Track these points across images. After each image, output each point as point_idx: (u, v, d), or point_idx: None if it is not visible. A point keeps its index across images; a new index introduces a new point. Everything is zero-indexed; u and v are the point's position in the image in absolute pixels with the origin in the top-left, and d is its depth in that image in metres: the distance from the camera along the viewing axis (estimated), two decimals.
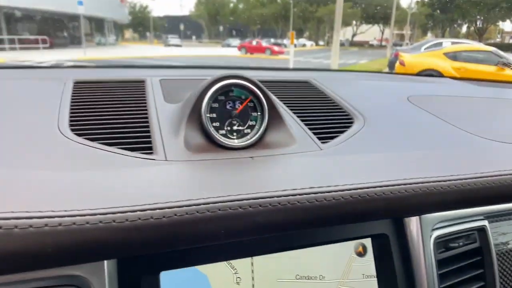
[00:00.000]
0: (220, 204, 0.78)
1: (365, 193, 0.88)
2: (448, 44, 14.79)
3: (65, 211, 0.69)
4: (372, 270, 1.10)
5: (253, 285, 0.99)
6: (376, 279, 1.10)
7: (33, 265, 0.69)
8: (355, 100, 1.50)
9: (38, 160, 0.90)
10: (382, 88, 1.89)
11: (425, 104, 1.64)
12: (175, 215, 0.74)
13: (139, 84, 1.37)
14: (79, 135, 1.01)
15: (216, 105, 1.08)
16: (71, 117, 1.09)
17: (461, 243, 1.19)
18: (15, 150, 0.92)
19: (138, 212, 0.73)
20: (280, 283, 1.01)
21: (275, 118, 1.13)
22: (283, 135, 1.13)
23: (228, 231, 0.79)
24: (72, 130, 1.02)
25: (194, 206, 0.76)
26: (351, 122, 1.34)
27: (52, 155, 0.92)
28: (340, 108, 1.44)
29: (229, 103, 1.09)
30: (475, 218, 1.22)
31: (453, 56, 11.90)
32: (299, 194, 0.84)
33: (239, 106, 1.10)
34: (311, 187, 0.85)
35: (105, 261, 0.84)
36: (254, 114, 1.11)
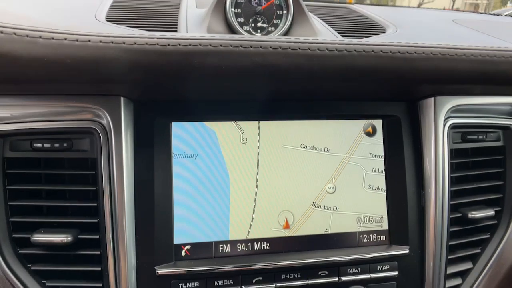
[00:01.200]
0: (222, 41, 0.82)
1: (371, 49, 0.88)
2: None
3: (82, 32, 0.78)
4: (380, 150, 1.10)
5: (258, 147, 1.04)
6: (383, 159, 1.10)
7: (55, 74, 0.78)
8: (393, 18, 1.45)
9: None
10: (427, 13, 1.81)
11: (468, 24, 1.56)
12: (179, 44, 0.80)
13: None
14: (114, 23, 1.08)
15: (241, 0, 1.10)
16: (110, 8, 1.17)
17: (480, 137, 1.15)
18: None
19: (146, 39, 0.79)
20: (284, 149, 1.05)
21: (300, 14, 1.13)
22: (307, 31, 1.13)
23: (229, 68, 0.83)
24: (108, 20, 1.10)
25: (198, 40, 0.81)
26: (383, 31, 1.31)
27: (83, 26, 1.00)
28: (373, 22, 1.41)
29: (255, 0, 1.11)
30: (500, 116, 1.16)
31: None
32: (302, 42, 0.85)
33: (264, 3, 1.11)
34: (315, 38, 0.87)
35: (122, 99, 0.93)
36: (280, 12, 1.12)
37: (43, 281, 0.94)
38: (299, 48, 0.85)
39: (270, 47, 0.84)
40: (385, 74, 0.91)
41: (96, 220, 0.94)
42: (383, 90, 1.02)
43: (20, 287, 0.91)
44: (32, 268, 0.94)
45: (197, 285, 0.96)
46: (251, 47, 0.83)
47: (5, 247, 0.92)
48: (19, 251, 0.94)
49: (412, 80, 0.95)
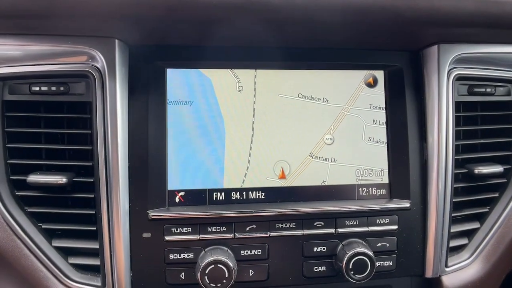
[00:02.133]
0: None
1: None
2: None
3: None
4: (381, 102, 1.07)
5: (254, 95, 1.02)
6: (384, 111, 1.07)
7: (48, 5, 0.79)
8: None
9: None
10: None
11: None
12: None
13: None
14: None
15: None
16: None
17: (488, 90, 1.10)
18: None
19: None
20: (281, 98, 1.03)
21: None
22: None
23: (219, 3, 0.81)
24: None
25: None
26: None
27: None
28: None
29: None
30: (510, 69, 1.11)
31: None
32: None
33: None
34: None
35: (116, 42, 0.93)
36: None
37: (39, 224, 0.96)
38: None
39: None
40: (384, 15, 0.88)
41: (90, 164, 0.95)
42: (384, 35, 0.99)
43: (17, 228, 0.93)
44: (29, 210, 0.95)
45: (190, 230, 0.95)
46: None
47: (3, 188, 0.94)
48: (16, 193, 0.95)
49: (412, 22, 0.91)
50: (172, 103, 1.00)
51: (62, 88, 0.96)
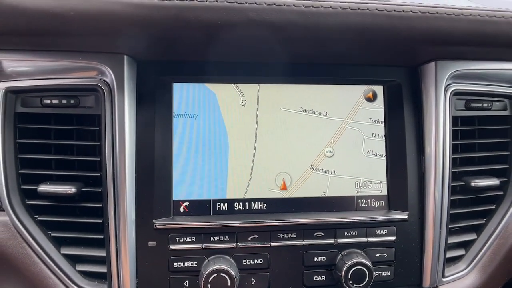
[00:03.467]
0: None
1: (365, 7, 0.88)
2: None
3: None
4: (381, 116, 1.10)
5: (257, 109, 1.06)
6: (383, 125, 1.10)
7: (60, 26, 0.83)
8: None
9: None
10: None
11: None
12: None
13: None
14: None
15: None
16: None
17: (485, 105, 1.13)
18: None
19: None
20: (283, 112, 1.07)
21: None
22: None
23: (224, 23, 0.85)
24: None
25: None
26: None
27: None
28: None
29: None
30: (506, 85, 1.14)
31: None
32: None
33: None
34: None
35: (125, 57, 0.97)
36: None
37: (48, 232, 0.99)
38: (293, 5, 0.86)
39: (265, 3, 0.86)
40: (381, 34, 0.92)
41: (99, 174, 0.98)
42: (383, 52, 1.02)
43: (27, 236, 0.96)
44: (39, 218, 0.99)
45: (194, 239, 0.98)
46: (245, 2, 0.85)
47: (14, 197, 0.98)
48: (27, 202, 0.99)
49: (409, 41, 0.95)
50: (177, 116, 1.03)
51: (72, 101, 1.00)
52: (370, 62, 1.08)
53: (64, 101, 0.99)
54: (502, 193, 1.15)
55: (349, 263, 0.97)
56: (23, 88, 0.98)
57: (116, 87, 0.96)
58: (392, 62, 1.09)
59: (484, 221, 1.14)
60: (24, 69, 0.97)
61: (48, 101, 0.99)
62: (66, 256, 0.99)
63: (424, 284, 1.07)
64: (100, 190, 0.98)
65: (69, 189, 0.96)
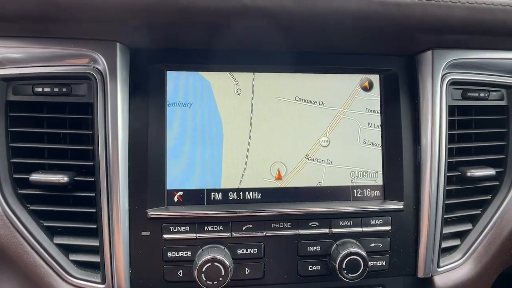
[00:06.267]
0: None
1: None
2: None
3: None
4: (377, 106, 1.09)
5: (252, 98, 1.05)
6: (379, 114, 1.09)
7: (53, 11, 0.81)
8: None
9: None
10: None
11: None
12: None
13: None
14: None
15: None
16: None
17: (482, 95, 1.12)
18: None
19: None
20: (278, 101, 1.06)
21: None
22: None
23: (217, 9, 0.83)
24: None
25: None
26: None
27: None
28: None
29: None
30: (504, 74, 1.13)
31: None
32: None
33: None
34: None
35: (117, 45, 0.95)
36: None
37: (41, 221, 0.98)
38: None
39: None
40: (377, 21, 0.90)
41: (91, 163, 0.97)
42: (379, 41, 1.01)
43: (19, 225, 0.95)
44: (31, 208, 0.98)
45: (188, 229, 0.97)
46: None
47: (6, 187, 0.96)
48: (19, 191, 0.98)
49: (406, 28, 0.93)
50: (171, 105, 1.02)
51: (64, 89, 0.98)
52: (366, 51, 1.07)
53: (56, 89, 0.98)
54: (498, 183, 1.14)
55: (344, 252, 0.96)
56: (15, 76, 0.96)
57: (108, 75, 0.94)
58: (388, 51, 1.08)
59: (479, 211, 1.13)
60: (16, 56, 0.95)
61: (40, 89, 0.98)
62: (59, 246, 0.98)
63: (419, 274, 1.06)
64: (93, 179, 0.97)
65: (61, 178, 0.95)
